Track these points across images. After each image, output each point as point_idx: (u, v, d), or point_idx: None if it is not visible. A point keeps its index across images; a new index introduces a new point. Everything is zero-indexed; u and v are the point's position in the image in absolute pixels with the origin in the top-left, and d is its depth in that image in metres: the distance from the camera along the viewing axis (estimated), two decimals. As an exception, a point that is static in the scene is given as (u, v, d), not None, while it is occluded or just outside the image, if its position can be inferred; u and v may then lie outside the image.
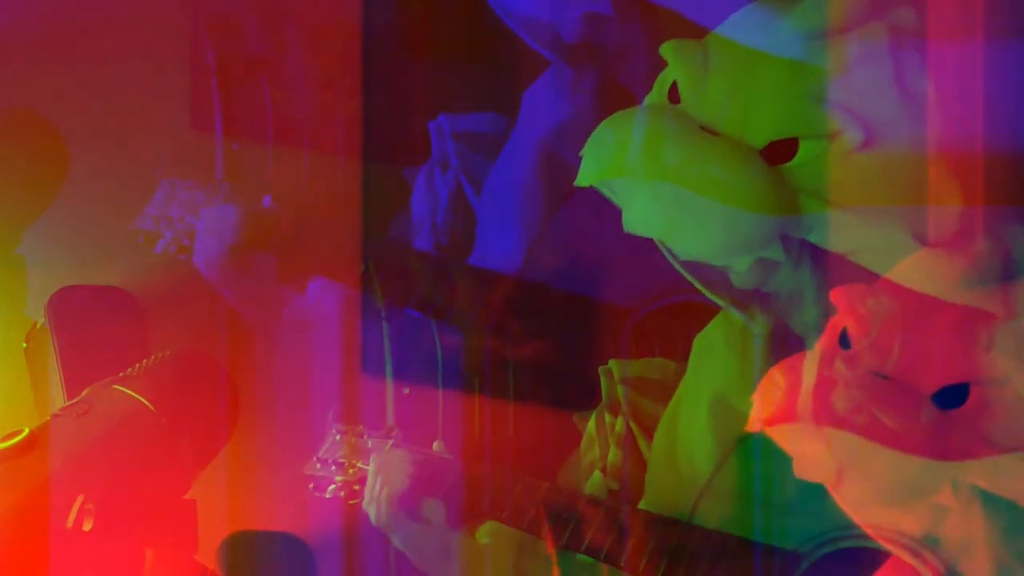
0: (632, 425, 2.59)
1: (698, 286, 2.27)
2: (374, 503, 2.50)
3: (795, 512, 2.15)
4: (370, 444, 2.59)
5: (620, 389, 2.59)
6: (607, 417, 2.61)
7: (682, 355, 2.54)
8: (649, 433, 2.58)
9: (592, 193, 2.23)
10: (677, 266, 2.24)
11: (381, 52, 3.10)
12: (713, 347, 2.39)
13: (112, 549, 2.05)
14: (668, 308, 2.69)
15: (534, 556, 2.42)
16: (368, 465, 2.55)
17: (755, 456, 2.23)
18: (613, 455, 2.58)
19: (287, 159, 3.15)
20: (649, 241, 2.26)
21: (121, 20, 3.13)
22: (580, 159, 2.22)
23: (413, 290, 2.89)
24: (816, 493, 2.00)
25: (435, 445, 2.55)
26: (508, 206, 2.95)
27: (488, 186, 3.01)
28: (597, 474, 2.58)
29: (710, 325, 2.42)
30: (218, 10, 3.20)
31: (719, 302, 2.28)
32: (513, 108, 3.01)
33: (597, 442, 2.62)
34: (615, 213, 2.23)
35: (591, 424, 2.64)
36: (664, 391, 2.56)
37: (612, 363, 2.63)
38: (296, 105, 3.18)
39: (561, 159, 2.86)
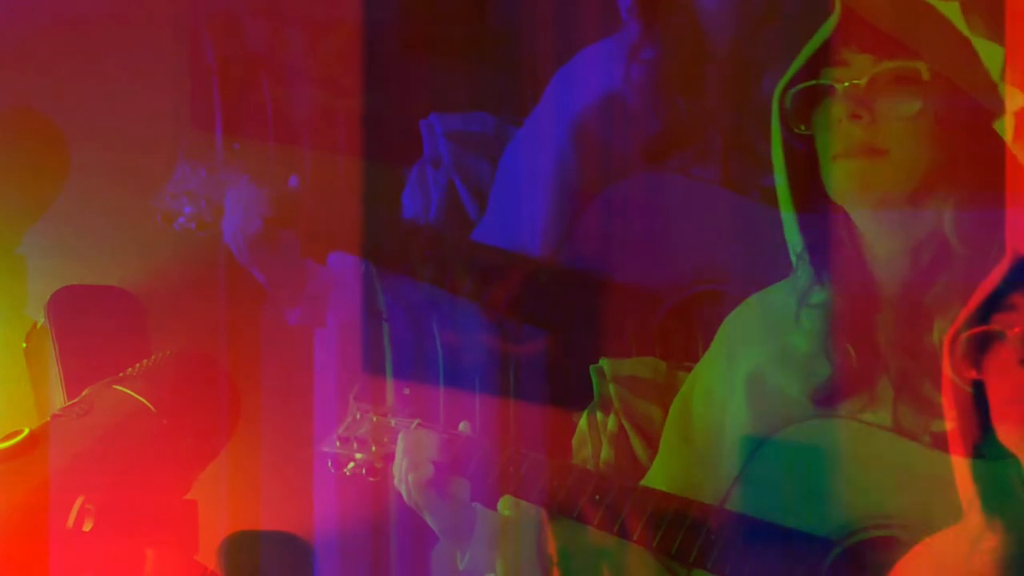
0: (624, 423, 2.62)
1: (792, 233, 2.32)
2: (403, 483, 2.54)
3: (829, 501, 2.21)
4: (393, 423, 2.61)
5: (612, 387, 2.63)
6: (599, 415, 2.64)
7: (681, 351, 2.56)
8: (641, 431, 2.61)
9: (633, 182, 2.30)
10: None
11: (380, 51, 3.10)
12: (747, 330, 2.44)
13: (112, 549, 2.04)
14: (694, 297, 2.71)
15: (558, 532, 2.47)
16: (395, 444, 2.57)
17: (792, 446, 2.29)
18: (606, 453, 2.62)
19: (287, 159, 3.15)
20: (682, 231, 2.34)
21: (121, 20, 3.13)
22: (620, 140, 2.29)
23: (415, 264, 2.91)
24: (850, 484, 2.04)
25: (461, 426, 2.57)
26: (533, 186, 2.95)
27: (505, 165, 3.01)
28: None
29: (740, 309, 2.48)
30: (218, 9, 3.20)
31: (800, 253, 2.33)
32: (513, 108, 3.01)
33: (589, 440, 2.66)
34: (652, 203, 2.29)
35: (583, 422, 2.67)
36: (656, 390, 2.60)
37: (603, 361, 2.67)
38: (296, 104, 3.18)
39: (599, 137, 2.87)
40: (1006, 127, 2.20)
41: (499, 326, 2.86)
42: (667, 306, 2.73)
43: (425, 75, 3.11)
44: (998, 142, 2.18)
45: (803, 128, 2.32)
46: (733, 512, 2.29)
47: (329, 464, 2.66)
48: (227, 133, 3.15)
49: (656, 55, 2.86)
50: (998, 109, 2.19)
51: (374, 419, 2.64)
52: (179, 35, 3.21)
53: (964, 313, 1.98)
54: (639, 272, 2.76)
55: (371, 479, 2.63)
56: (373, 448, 2.62)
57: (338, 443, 2.66)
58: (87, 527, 1.99)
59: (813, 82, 2.31)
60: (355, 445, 2.64)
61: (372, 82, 3.10)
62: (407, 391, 2.90)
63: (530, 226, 2.92)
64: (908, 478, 2.19)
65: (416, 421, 2.60)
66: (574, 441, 2.68)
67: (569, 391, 2.78)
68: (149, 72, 3.16)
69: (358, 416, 2.66)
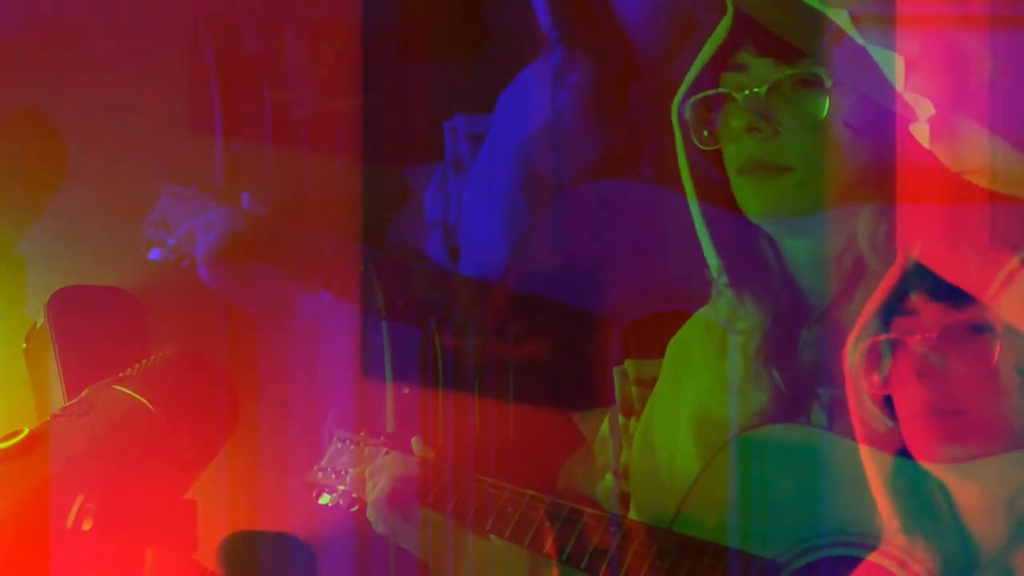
0: None
1: (709, 252, 2.22)
2: (371, 508, 2.51)
3: (778, 518, 2.10)
4: (367, 452, 2.59)
5: (634, 390, 2.54)
6: (620, 419, 2.56)
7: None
8: None
9: (576, 200, 2.21)
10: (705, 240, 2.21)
11: (381, 52, 3.10)
12: (689, 355, 2.34)
13: (112, 549, 2.04)
14: (655, 316, 2.67)
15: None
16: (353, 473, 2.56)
17: (740, 460, 2.17)
18: (626, 457, 2.54)
19: (287, 159, 3.15)
20: (638, 248, 2.24)
21: (121, 20, 3.13)
22: (559, 165, 2.20)
23: (414, 298, 2.88)
24: (800, 498, 1.97)
25: (413, 441, 2.54)
26: (489, 217, 2.93)
27: (466, 198, 2.99)
28: (609, 477, 2.54)
29: (683, 331, 2.37)
30: (218, 11, 3.20)
31: (719, 284, 2.23)
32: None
33: (610, 444, 2.58)
34: (602, 220, 2.21)
35: (604, 426, 2.59)
36: None
37: (628, 364, 2.57)
38: (296, 105, 3.18)
39: (539, 163, 2.84)
40: (923, 132, 2.07)
41: (498, 328, 2.86)
42: (624, 323, 2.70)
43: (426, 76, 3.11)
44: (917, 148, 2.00)
45: (707, 135, 2.18)
46: (674, 533, 2.18)
47: (314, 495, 2.64)
48: (226, 134, 3.16)
49: (581, 79, 2.81)
50: (911, 115, 2.01)
51: (351, 448, 2.62)
52: (179, 37, 3.21)
53: (861, 319, 1.89)
54: (589, 292, 2.72)
55: (352, 509, 2.60)
56: (348, 479, 2.60)
57: (319, 474, 2.64)
58: (87, 527, 1.99)
59: (712, 91, 2.18)
60: (333, 476, 2.61)
61: (372, 83, 3.10)
62: (407, 391, 2.90)
63: (493, 254, 2.89)
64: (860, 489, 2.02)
65: (384, 450, 2.57)
66: (595, 446, 2.61)
67: (567, 394, 2.78)
68: (149, 73, 3.16)
69: (339, 446, 2.64)
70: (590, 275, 2.74)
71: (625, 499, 2.49)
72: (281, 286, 2.92)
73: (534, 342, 2.83)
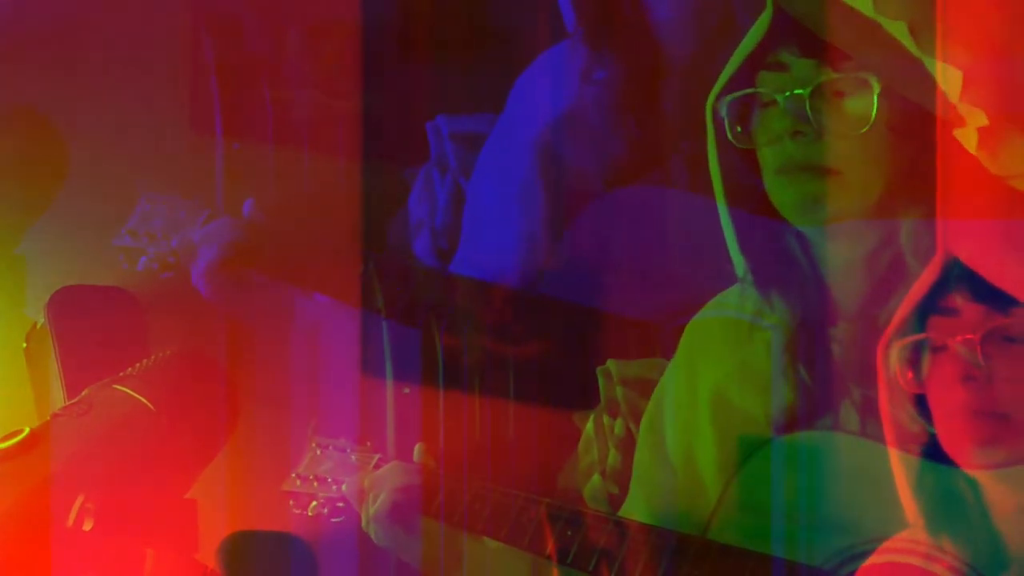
0: (632, 427, 2.52)
1: (735, 252, 2.21)
2: (372, 522, 2.45)
3: (821, 526, 2.08)
4: (354, 459, 2.55)
5: (619, 390, 2.53)
6: (605, 419, 2.55)
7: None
8: None
9: (611, 202, 2.20)
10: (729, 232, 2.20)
11: (381, 52, 3.10)
12: (707, 340, 2.32)
13: (112, 549, 2.04)
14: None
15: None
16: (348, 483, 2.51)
17: (777, 465, 2.15)
18: (612, 458, 2.52)
19: (287, 159, 3.15)
20: (671, 254, 2.23)
21: (121, 20, 3.13)
22: (586, 158, 2.18)
23: (415, 300, 2.87)
24: (844, 505, 1.96)
25: (416, 449, 2.52)
26: (502, 210, 2.91)
27: (473, 189, 2.97)
28: (596, 477, 2.54)
29: (700, 319, 2.35)
30: (218, 10, 3.20)
31: (747, 280, 2.22)
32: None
33: (596, 444, 2.56)
34: (638, 224, 2.19)
35: (589, 426, 2.58)
36: None
37: (610, 363, 2.56)
38: (296, 105, 3.18)
39: (562, 158, 2.83)
40: (969, 138, 2.06)
41: (498, 328, 2.86)
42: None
43: (426, 76, 3.11)
44: (960, 151, 2.02)
45: (740, 132, 2.17)
46: (717, 543, 2.14)
47: (291, 504, 2.60)
48: (227, 134, 3.16)
49: (609, 75, 2.79)
50: (957, 121, 2.03)
51: (334, 454, 2.58)
52: (179, 38, 3.21)
53: (898, 317, 1.88)
54: (634, 296, 2.70)
55: (334, 519, 2.56)
56: (334, 487, 2.56)
57: (298, 482, 2.59)
58: (87, 526, 1.99)
59: (750, 90, 2.16)
60: (316, 484, 2.57)
61: (372, 83, 3.10)
62: (407, 391, 2.90)
63: (504, 253, 2.87)
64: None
65: (376, 457, 2.53)
66: (580, 446, 2.60)
67: (568, 393, 2.77)
68: (149, 72, 3.16)
69: (318, 452, 2.60)
70: (628, 279, 2.72)
71: (613, 500, 2.47)
72: (279, 292, 2.91)
73: (534, 341, 2.83)
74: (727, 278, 2.30)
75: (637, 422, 2.50)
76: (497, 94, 3.01)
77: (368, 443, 2.57)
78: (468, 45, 3.08)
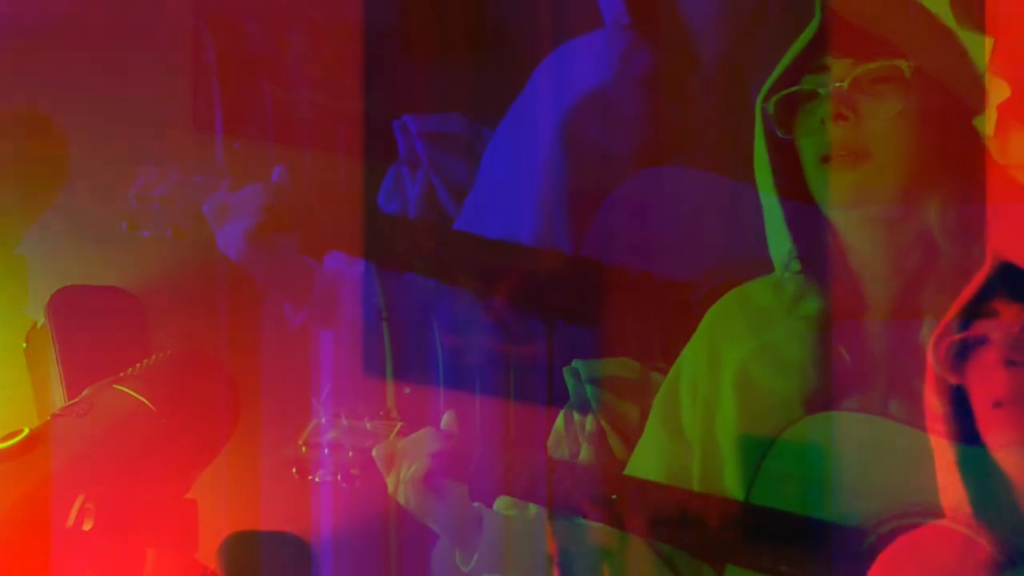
0: (603, 423, 2.63)
1: (781, 239, 2.34)
2: (402, 486, 2.53)
3: (856, 494, 2.24)
4: (369, 427, 2.58)
5: (589, 388, 2.64)
6: (576, 416, 2.65)
7: (657, 352, 2.57)
8: (619, 431, 2.63)
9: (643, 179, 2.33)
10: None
11: (381, 52, 3.10)
12: (732, 325, 2.47)
13: (112, 549, 2.04)
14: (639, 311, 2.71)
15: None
16: (372, 449, 2.56)
17: (812, 439, 2.31)
18: (584, 453, 2.63)
19: (287, 158, 3.15)
20: (701, 223, 2.39)
21: (122, 19, 3.13)
22: (610, 136, 2.32)
23: (416, 299, 2.90)
24: (871, 476, 2.06)
25: (444, 418, 2.57)
26: (521, 175, 2.95)
27: (492, 152, 3.00)
28: None
29: (723, 303, 2.50)
30: (219, 10, 3.20)
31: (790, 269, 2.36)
32: (491, 110, 3.01)
33: (566, 440, 2.67)
34: (666, 197, 2.30)
35: (558, 423, 2.69)
36: (633, 389, 2.61)
37: (576, 363, 2.69)
38: (296, 104, 3.18)
39: (588, 134, 2.86)
40: (987, 122, 2.22)
41: (500, 326, 2.86)
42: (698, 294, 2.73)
43: (427, 77, 3.11)
44: (977, 139, 2.23)
45: (783, 133, 2.36)
46: (760, 507, 2.32)
47: (293, 471, 2.63)
48: (227, 133, 3.16)
49: (646, 64, 2.87)
50: (979, 105, 2.23)
51: (344, 423, 2.61)
52: (180, 35, 3.21)
53: (947, 317, 2.01)
54: (663, 268, 2.76)
55: (345, 485, 2.61)
56: (350, 453, 2.60)
57: (304, 448, 2.64)
58: (87, 526, 1.99)
59: (796, 88, 2.35)
60: (326, 451, 2.61)
61: (372, 83, 3.10)
62: (408, 391, 2.90)
63: (518, 225, 2.91)
64: (929, 468, 2.19)
65: (399, 424, 2.57)
66: (550, 442, 2.69)
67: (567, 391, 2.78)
68: (150, 73, 3.16)
69: (323, 421, 2.63)
70: (650, 254, 2.78)
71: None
72: (300, 256, 2.94)
73: (534, 341, 2.83)
74: (753, 264, 2.46)
75: (607, 418, 2.64)
76: (497, 94, 3.01)
77: (390, 411, 2.61)
78: (468, 45, 3.08)
